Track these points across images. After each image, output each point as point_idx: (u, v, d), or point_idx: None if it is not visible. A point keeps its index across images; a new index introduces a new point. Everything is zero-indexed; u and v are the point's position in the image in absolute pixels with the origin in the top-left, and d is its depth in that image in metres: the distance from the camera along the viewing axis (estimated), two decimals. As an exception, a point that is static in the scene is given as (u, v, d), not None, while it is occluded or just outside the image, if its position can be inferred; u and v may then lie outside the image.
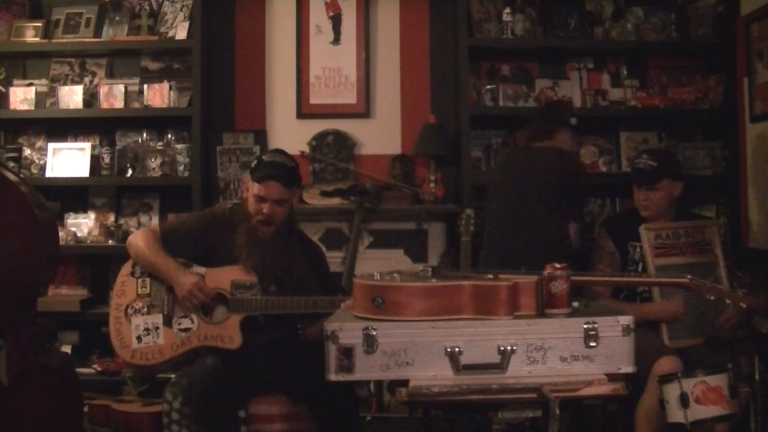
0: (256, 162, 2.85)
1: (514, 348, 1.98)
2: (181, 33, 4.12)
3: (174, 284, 2.70)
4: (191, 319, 2.71)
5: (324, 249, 3.19)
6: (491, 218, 3.31)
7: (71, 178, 4.10)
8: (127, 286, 2.77)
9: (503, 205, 3.25)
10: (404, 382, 1.98)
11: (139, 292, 2.76)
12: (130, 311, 2.73)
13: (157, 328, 2.71)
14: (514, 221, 3.16)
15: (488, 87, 4.18)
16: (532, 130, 3.41)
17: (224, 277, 2.74)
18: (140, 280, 2.77)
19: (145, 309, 2.73)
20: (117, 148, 4.20)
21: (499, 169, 3.67)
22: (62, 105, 4.12)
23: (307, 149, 4.24)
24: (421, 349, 1.99)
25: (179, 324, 2.71)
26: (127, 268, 2.81)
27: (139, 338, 2.70)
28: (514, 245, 3.11)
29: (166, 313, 2.73)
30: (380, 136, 4.32)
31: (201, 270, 2.76)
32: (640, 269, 2.98)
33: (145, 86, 4.15)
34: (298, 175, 2.87)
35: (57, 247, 2.95)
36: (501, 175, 3.46)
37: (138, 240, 2.76)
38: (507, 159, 3.76)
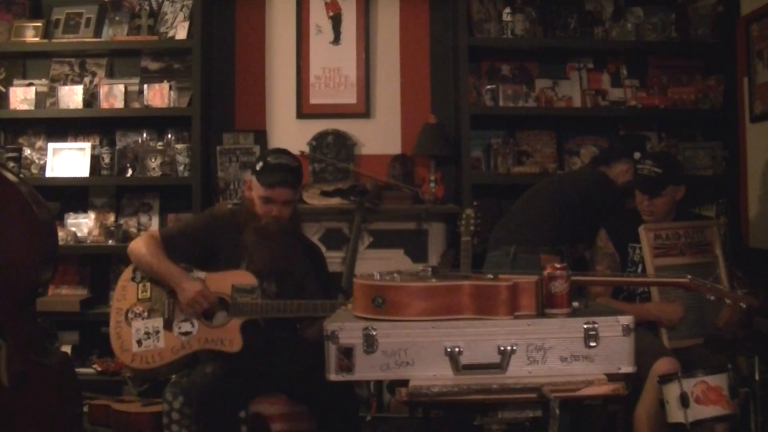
0: (261, 164, 2.81)
1: (514, 348, 1.98)
2: (181, 33, 4.13)
3: (178, 291, 2.70)
4: (192, 323, 2.71)
5: (324, 249, 3.19)
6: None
7: (71, 178, 4.10)
8: (127, 291, 2.77)
9: (528, 192, 3.49)
10: (404, 382, 1.98)
11: (140, 297, 2.75)
12: (130, 315, 2.73)
13: (157, 332, 2.71)
14: (528, 201, 3.43)
15: (488, 87, 4.19)
16: (595, 156, 3.68)
17: (224, 281, 2.74)
18: (141, 284, 2.77)
19: (146, 313, 2.73)
20: (117, 148, 4.20)
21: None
22: (62, 105, 4.12)
23: (307, 149, 4.24)
24: (421, 349, 1.99)
25: (180, 327, 2.71)
26: (128, 273, 2.81)
27: (139, 342, 2.70)
28: (519, 221, 3.36)
29: (166, 316, 2.73)
30: (380, 136, 4.33)
31: (201, 275, 2.76)
32: (639, 271, 2.98)
33: (145, 86, 4.15)
34: (302, 173, 2.90)
35: (56, 246, 2.95)
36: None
37: (139, 246, 2.75)
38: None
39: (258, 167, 2.82)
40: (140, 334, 2.70)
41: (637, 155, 3.32)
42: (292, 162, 2.83)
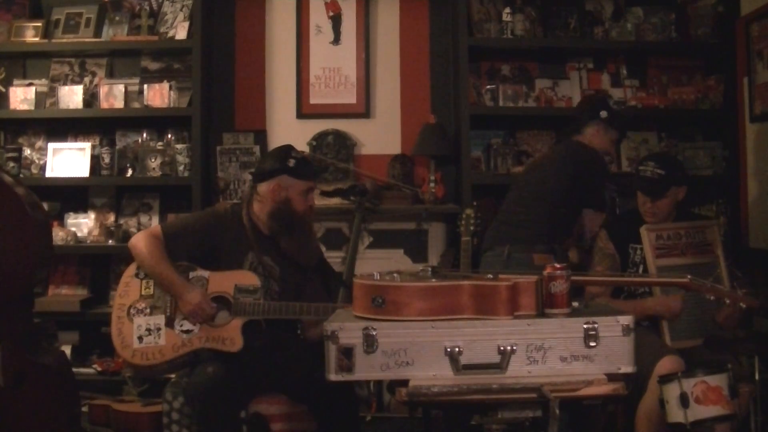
0: (294, 162, 2.83)
1: (514, 348, 1.98)
2: (181, 33, 4.13)
3: (178, 300, 2.70)
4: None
5: (324, 249, 3.20)
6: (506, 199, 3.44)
7: (71, 178, 4.10)
8: (130, 287, 2.77)
9: (516, 186, 3.38)
10: (404, 382, 1.98)
11: (143, 293, 2.76)
12: (132, 311, 2.73)
13: (158, 329, 2.71)
14: (519, 198, 3.30)
15: (488, 87, 4.19)
16: (565, 128, 3.50)
17: (228, 280, 2.74)
18: (144, 281, 2.77)
19: (148, 310, 2.73)
20: (117, 148, 4.20)
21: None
22: (62, 105, 4.12)
23: (307, 149, 4.24)
24: (421, 349, 1.99)
25: (181, 325, 2.71)
26: (131, 269, 2.81)
27: (140, 338, 2.70)
28: (511, 220, 3.24)
29: (168, 314, 2.73)
30: (380, 136, 4.33)
31: (205, 273, 2.76)
32: (640, 271, 2.97)
33: (145, 86, 4.15)
34: None
35: (51, 247, 2.96)
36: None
37: (141, 246, 2.75)
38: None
39: (291, 164, 2.83)
40: (141, 330, 2.70)
41: (603, 114, 3.27)
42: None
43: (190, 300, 2.67)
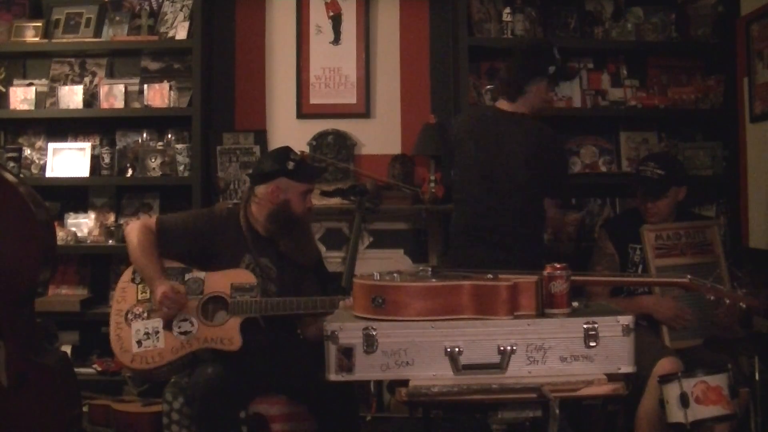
0: (293, 164, 2.83)
1: (514, 348, 1.98)
2: (181, 33, 4.13)
3: (151, 291, 2.71)
4: (191, 322, 2.71)
5: (324, 249, 3.20)
6: (462, 198, 3.03)
7: (71, 178, 4.10)
8: (127, 292, 2.77)
9: (480, 186, 2.95)
10: (404, 382, 1.98)
11: (140, 298, 2.75)
12: (130, 316, 2.72)
13: (157, 332, 2.70)
14: (493, 207, 2.92)
15: (488, 87, 4.18)
16: (501, 84, 3.01)
17: (224, 279, 2.74)
18: (140, 285, 2.77)
19: (145, 314, 2.73)
20: (117, 148, 4.20)
21: (467, 137, 3.03)
22: (62, 105, 4.11)
23: (307, 149, 4.24)
24: (421, 349, 1.99)
25: (179, 327, 2.71)
26: (128, 274, 2.81)
27: (139, 342, 2.69)
28: (493, 237, 2.90)
29: (166, 316, 2.73)
30: (380, 136, 4.33)
31: (201, 275, 2.76)
32: (640, 271, 2.98)
33: (145, 86, 4.15)
34: None
35: (54, 246, 2.96)
36: (470, 147, 2.99)
37: (133, 236, 2.76)
38: (476, 128, 3.03)
39: (290, 167, 2.83)
40: (140, 334, 2.70)
41: (551, 69, 2.92)
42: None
43: (157, 292, 2.66)
